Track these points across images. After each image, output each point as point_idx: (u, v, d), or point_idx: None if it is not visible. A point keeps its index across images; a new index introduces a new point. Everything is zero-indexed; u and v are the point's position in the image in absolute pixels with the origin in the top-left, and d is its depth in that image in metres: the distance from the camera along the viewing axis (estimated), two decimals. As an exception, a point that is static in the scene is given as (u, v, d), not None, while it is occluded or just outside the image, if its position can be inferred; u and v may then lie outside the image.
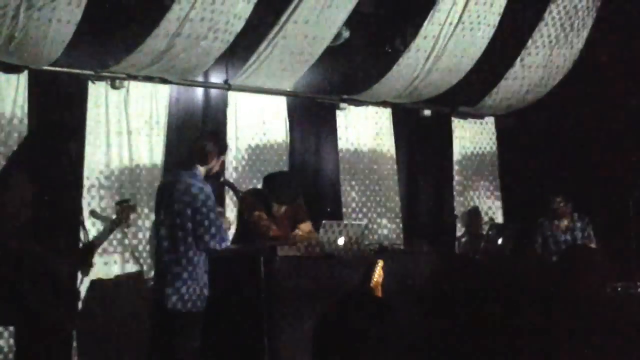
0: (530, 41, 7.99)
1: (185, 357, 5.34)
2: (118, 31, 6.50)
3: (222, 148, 5.56)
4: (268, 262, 5.52)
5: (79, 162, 6.42)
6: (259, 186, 6.82)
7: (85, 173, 6.46)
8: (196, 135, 7.02)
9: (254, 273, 5.51)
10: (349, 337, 2.33)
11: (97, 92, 6.59)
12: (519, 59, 8.11)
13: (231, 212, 7.07)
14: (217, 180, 6.24)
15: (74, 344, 6.14)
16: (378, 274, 6.02)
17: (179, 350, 5.31)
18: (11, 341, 5.76)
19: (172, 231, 5.26)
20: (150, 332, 5.77)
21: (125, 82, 6.69)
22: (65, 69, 6.35)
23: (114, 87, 6.64)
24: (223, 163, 5.62)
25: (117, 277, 6.47)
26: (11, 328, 5.70)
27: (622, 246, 7.54)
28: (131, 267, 6.56)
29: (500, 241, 7.03)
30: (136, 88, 6.78)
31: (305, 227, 6.32)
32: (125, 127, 6.71)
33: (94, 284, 6.28)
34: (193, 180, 5.27)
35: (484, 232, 7.73)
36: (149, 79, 6.80)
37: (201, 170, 5.36)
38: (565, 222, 7.90)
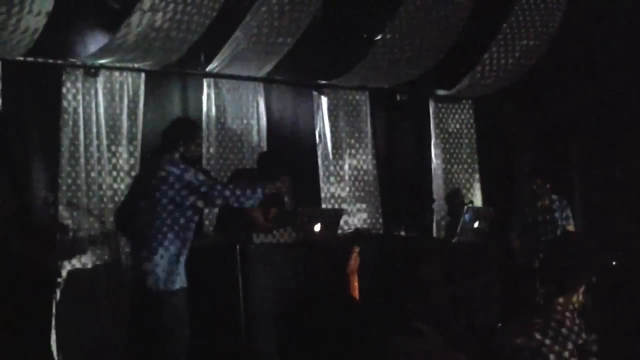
0: (505, 24, 7.99)
1: (174, 347, 5.38)
2: (91, 21, 6.47)
3: (192, 132, 5.74)
4: (244, 250, 5.60)
5: (54, 154, 6.40)
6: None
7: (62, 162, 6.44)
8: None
9: (231, 261, 5.59)
10: (308, 335, 2.39)
11: (72, 82, 6.56)
12: (495, 40, 8.11)
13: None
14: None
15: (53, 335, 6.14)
16: (354, 260, 6.07)
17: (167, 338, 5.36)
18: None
19: (151, 216, 5.40)
20: (129, 314, 5.86)
21: (100, 72, 6.66)
22: (39, 59, 6.32)
23: (88, 75, 6.60)
24: (200, 144, 5.89)
25: (95, 266, 6.45)
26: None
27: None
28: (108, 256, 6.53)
29: (476, 224, 7.07)
30: (111, 77, 6.76)
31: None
32: (103, 115, 6.69)
33: (71, 273, 6.28)
34: (167, 166, 5.45)
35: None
36: (123, 68, 6.77)
37: (176, 155, 5.55)
38: (544, 203, 7.91)
